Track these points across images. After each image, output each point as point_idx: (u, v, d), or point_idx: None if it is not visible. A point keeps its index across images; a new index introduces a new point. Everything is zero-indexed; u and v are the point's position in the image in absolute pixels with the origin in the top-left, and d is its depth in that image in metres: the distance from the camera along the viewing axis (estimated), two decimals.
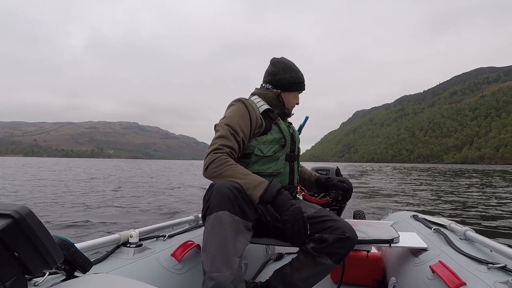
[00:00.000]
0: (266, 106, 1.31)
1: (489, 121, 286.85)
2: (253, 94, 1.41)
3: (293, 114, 1.49)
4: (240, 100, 1.28)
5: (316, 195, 1.74)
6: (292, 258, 1.21)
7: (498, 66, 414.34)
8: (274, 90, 1.37)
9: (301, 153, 1.45)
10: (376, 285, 1.57)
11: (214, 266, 0.90)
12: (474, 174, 26.77)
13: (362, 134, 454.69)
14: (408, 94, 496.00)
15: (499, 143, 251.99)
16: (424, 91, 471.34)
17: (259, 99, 1.35)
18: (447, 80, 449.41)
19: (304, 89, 1.46)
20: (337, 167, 1.72)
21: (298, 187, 1.35)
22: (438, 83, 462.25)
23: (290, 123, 1.51)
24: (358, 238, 1.15)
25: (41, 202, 6.90)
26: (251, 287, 1.24)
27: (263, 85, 1.43)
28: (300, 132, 1.54)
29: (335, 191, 1.44)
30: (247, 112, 1.24)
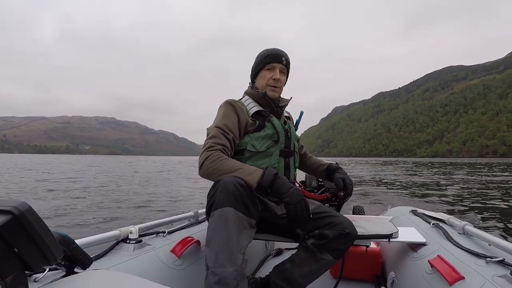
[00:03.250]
0: (256, 108, 1.32)
1: (458, 117, 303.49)
2: (245, 93, 1.42)
3: (289, 99, 1.44)
4: (226, 102, 1.30)
5: (315, 190, 1.74)
6: (292, 254, 1.21)
7: (467, 65, 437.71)
8: (259, 90, 1.36)
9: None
10: (375, 280, 1.58)
11: (218, 262, 0.91)
12: (446, 167, 29.03)
13: (340, 130, 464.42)
14: (384, 90, 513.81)
15: (466, 138, 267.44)
16: (399, 87, 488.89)
17: (250, 100, 1.36)
18: (420, 78, 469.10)
19: (278, 60, 1.34)
20: (336, 162, 1.76)
21: (296, 183, 1.32)
22: (412, 80, 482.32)
23: (288, 118, 1.52)
24: (358, 233, 1.15)
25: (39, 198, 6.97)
26: (251, 283, 1.25)
27: (249, 83, 1.45)
28: (297, 127, 1.53)
29: (335, 188, 1.42)
30: (234, 112, 1.26)
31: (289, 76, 1.44)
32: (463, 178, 14.85)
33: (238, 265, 0.92)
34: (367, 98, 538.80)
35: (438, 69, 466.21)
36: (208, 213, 1.03)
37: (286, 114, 1.51)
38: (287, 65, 1.38)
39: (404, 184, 11.91)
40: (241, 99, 1.40)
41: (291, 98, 1.46)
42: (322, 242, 1.12)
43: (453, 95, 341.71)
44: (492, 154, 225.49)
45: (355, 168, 28.40)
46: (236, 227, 0.96)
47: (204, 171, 1.14)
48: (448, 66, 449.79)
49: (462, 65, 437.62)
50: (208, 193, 1.06)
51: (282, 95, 1.44)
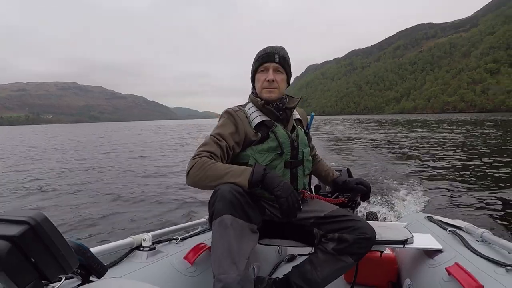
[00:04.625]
0: (259, 119, 1.28)
1: (424, 75, 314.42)
2: (249, 99, 1.38)
3: (298, 99, 1.36)
4: (226, 111, 1.29)
5: (329, 195, 1.73)
6: (310, 256, 1.22)
7: (436, 23, 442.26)
8: (258, 99, 1.31)
9: None
10: (390, 286, 1.55)
11: (221, 268, 0.92)
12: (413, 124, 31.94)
13: (314, 88, 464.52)
14: (357, 48, 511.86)
15: (430, 95, 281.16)
16: (371, 45, 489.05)
17: (253, 109, 1.32)
18: (392, 35, 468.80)
19: (271, 59, 1.28)
20: (348, 168, 1.71)
21: (305, 193, 1.31)
22: (385, 38, 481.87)
23: (300, 121, 1.44)
24: None
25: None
26: (270, 283, 1.24)
27: (252, 88, 1.39)
28: (308, 131, 1.47)
29: (352, 193, 1.41)
30: (231, 122, 1.24)
31: (291, 72, 1.36)
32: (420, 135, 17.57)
33: (241, 270, 0.93)
34: (340, 56, 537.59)
35: (409, 26, 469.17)
36: (211, 222, 1.05)
37: (297, 117, 1.44)
38: (282, 62, 1.30)
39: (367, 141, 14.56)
40: (246, 105, 1.37)
41: (301, 98, 1.39)
42: (343, 246, 1.13)
43: (421, 53, 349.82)
44: (452, 110, 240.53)
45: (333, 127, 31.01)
46: (236, 234, 0.98)
47: (191, 180, 1.13)
48: (419, 24, 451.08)
49: (432, 23, 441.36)
50: (209, 202, 1.08)
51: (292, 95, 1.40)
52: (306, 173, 1.36)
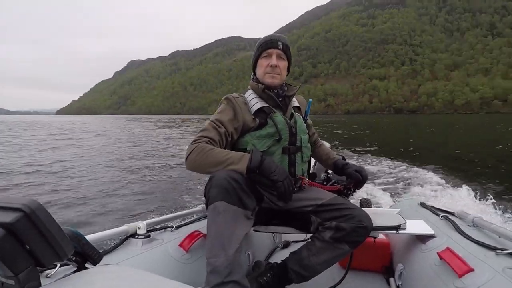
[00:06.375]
0: (259, 105, 1.29)
1: (239, 81, 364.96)
2: (250, 86, 1.39)
3: (297, 87, 1.38)
4: (226, 97, 1.30)
5: (324, 182, 1.76)
6: (307, 242, 1.24)
7: (246, 37, 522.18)
8: (259, 84, 1.32)
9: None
10: (384, 270, 1.58)
11: (212, 252, 0.96)
12: None
13: (139, 86, 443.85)
14: (181, 49, 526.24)
15: None
16: (194, 48, 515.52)
17: (253, 95, 1.33)
18: (212, 42, 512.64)
19: (274, 46, 1.30)
20: (343, 156, 1.67)
21: (304, 179, 1.32)
22: (205, 44, 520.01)
23: (299, 108, 1.45)
24: None
25: None
26: (268, 268, 1.27)
27: (252, 74, 1.43)
28: (306, 118, 1.47)
29: (348, 179, 1.42)
30: (230, 107, 1.26)
31: (291, 61, 1.40)
32: None
33: (230, 254, 0.95)
34: (164, 55, 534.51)
35: (226, 37, 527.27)
36: (207, 208, 1.07)
37: (295, 104, 1.44)
38: (284, 49, 1.32)
39: None
40: (245, 92, 1.40)
41: (300, 86, 1.42)
42: (340, 235, 1.15)
43: (235, 62, 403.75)
44: None
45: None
46: (229, 219, 0.99)
47: (190, 165, 1.14)
48: (233, 36, 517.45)
49: (242, 37, 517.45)
50: (204, 188, 1.09)
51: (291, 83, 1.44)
52: (304, 159, 1.37)
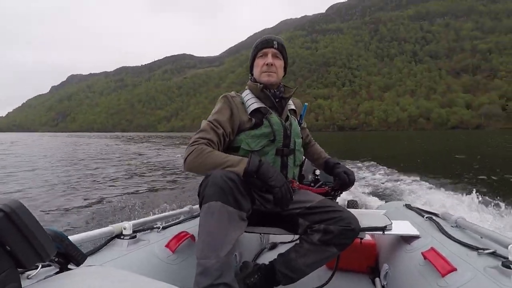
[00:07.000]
0: (255, 105, 1.30)
1: (189, 98, 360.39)
2: (247, 86, 1.40)
3: (294, 89, 1.39)
4: (223, 96, 1.31)
5: (312, 184, 1.78)
6: (295, 244, 1.25)
7: (195, 55, 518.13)
8: (258, 84, 1.33)
9: None
10: (369, 271, 1.60)
11: (203, 253, 0.94)
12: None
13: (79, 102, 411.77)
14: (127, 65, 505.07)
15: (195, 116, 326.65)
16: (141, 65, 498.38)
17: (250, 95, 1.34)
18: (161, 59, 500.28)
19: (269, 45, 1.34)
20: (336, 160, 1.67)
21: (294, 182, 1.31)
22: (154, 60, 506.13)
23: (295, 111, 1.47)
24: None
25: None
26: (256, 269, 1.27)
27: (250, 75, 1.42)
28: (301, 122, 1.48)
29: (336, 180, 1.44)
30: (228, 107, 1.26)
31: (287, 61, 1.42)
32: None
33: (222, 256, 0.94)
34: (109, 71, 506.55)
35: (175, 54, 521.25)
36: (201, 206, 1.05)
37: (292, 107, 1.46)
38: (280, 49, 1.36)
39: None
40: (243, 91, 1.39)
41: (296, 88, 1.42)
42: (328, 238, 1.15)
43: (186, 79, 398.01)
44: None
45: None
46: (223, 220, 0.98)
47: (189, 166, 1.14)
48: (183, 54, 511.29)
49: (192, 55, 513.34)
50: (199, 186, 1.07)
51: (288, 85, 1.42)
52: (296, 163, 1.37)
